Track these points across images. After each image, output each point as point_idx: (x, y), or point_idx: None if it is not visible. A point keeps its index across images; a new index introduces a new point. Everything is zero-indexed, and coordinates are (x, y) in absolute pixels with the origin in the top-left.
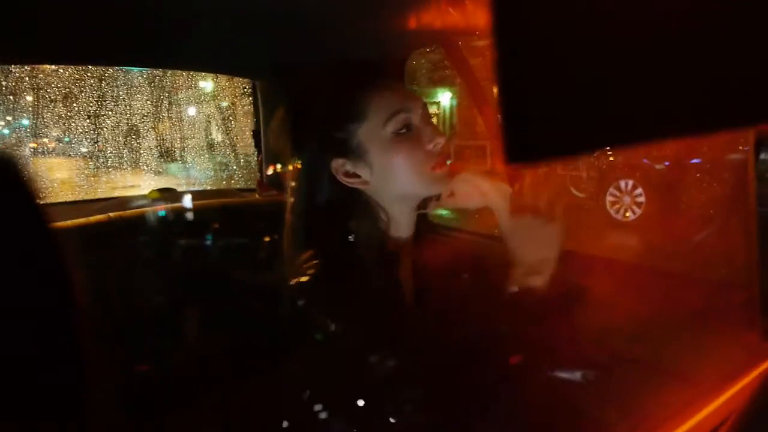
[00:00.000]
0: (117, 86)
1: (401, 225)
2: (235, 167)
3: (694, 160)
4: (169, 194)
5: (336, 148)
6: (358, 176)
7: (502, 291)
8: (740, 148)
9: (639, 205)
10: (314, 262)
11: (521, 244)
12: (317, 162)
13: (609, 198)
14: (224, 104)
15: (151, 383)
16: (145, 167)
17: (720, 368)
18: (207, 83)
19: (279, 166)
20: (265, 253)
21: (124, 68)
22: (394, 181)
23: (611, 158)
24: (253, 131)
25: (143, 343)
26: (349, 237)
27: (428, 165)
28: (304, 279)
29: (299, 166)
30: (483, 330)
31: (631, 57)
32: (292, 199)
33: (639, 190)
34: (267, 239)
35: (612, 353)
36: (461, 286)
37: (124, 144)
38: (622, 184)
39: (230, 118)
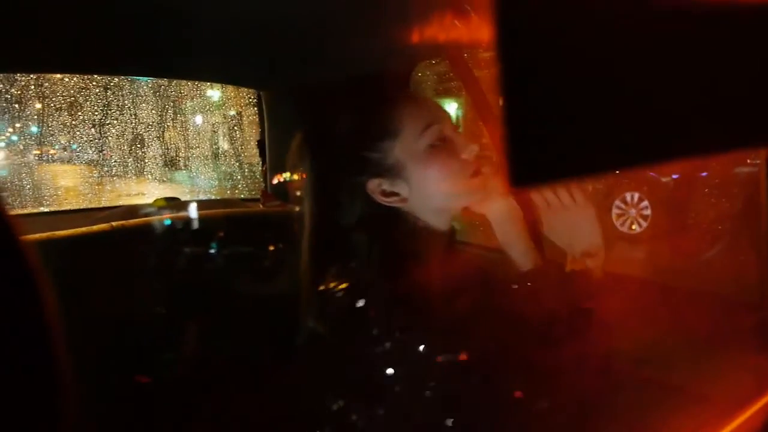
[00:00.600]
0: (122, 95)
1: (438, 238)
2: (239, 177)
3: (702, 174)
4: (173, 203)
5: (371, 168)
6: (397, 194)
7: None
8: (749, 161)
9: (645, 218)
10: (346, 281)
11: (565, 237)
12: (350, 184)
13: (615, 211)
14: (229, 114)
15: (152, 395)
16: (149, 176)
17: (733, 390)
18: (212, 93)
19: (284, 176)
20: (269, 263)
21: (130, 77)
22: (433, 194)
23: (617, 171)
24: (258, 141)
25: (145, 353)
26: (390, 254)
27: (466, 174)
28: (337, 295)
29: (324, 186)
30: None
31: (640, 77)
32: (311, 218)
33: (645, 203)
34: (271, 249)
35: (622, 373)
36: (487, 299)
37: (129, 152)
38: (628, 196)
39: (235, 127)
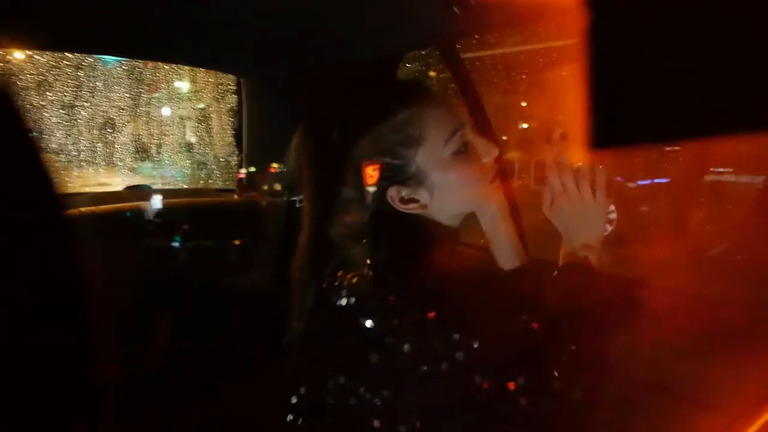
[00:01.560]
0: (94, 76)
1: (448, 238)
2: (214, 167)
3: (662, 180)
4: (143, 191)
5: (392, 176)
6: (416, 201)
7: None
8: (711, 170)
9: (611, 222)
10: (349, 284)
11: (571, 224)
12: (364, 192)
13: None
14: (206, 101)
15: (117, 391)
16: (120, 163)
17: (736, 400)
18: (190, 76)
19: (264, 166)
20: (242, 255)
21: (103, 57)
22: (455, 201)
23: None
24: (235, 130)
25: (111, 348)
26: (401, 257)
27: (487, 179)
28: (341, 299)
29: (331, 188)
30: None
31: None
32: (312, 220)
33: (611, 207)
34: (245, 240)
35: (618, 377)
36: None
37: (99, 137)
38: None
39: (211, 115)
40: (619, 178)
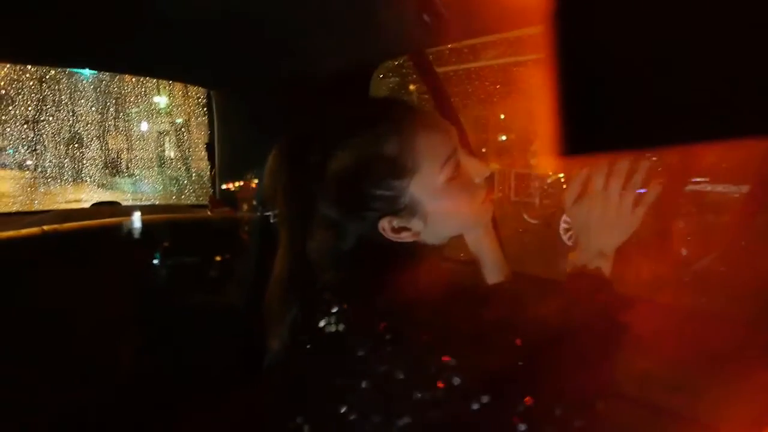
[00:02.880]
0: (59, 89)
1: (435, 258)
2: (186, 182)
3: (641, 190)
4: (112, 208)
5: (383, 207)
6: (409, 230)
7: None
8: (691, 180)
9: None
10: (332, 310)
11: (592, 227)
12: (346, 220)
13: (563, 225)
14: (177, 114)
15: (84, 412)
16: (88, 179)
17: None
18: (159, 89)
19: (237, 182)
20: (215, 273)
21: (68, 70)
22: (448, 226)
23: (564, 186)
24: (206, 144)
25: (77, 369)
26: (388, 283)
27: (479, 200)
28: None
29: (312, 214)
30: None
31: (702, 53)
32: (290, 245)
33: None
34: (218, 258)
35: (616, 395)
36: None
37: (66, 153)
38: None
39: (182, 129)
40: None
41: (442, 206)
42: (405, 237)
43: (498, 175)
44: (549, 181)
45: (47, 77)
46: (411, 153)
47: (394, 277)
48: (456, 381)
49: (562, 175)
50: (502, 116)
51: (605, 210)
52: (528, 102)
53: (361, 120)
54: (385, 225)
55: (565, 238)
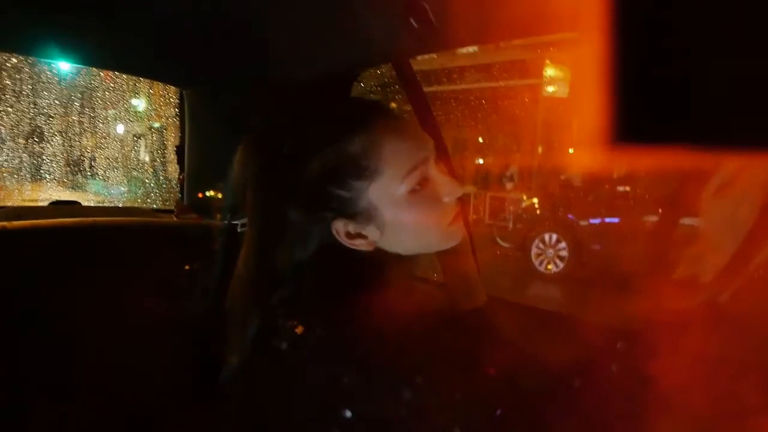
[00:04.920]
0: (20, 79)
1: (404, 275)
2: (153, 185)
3: (614, 220)
4: (70, 207)
5: (339, 208)
6: (364, 237)
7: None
8: (659, 211)
9: (562, 258)
10: (292, 319)
11: (722, 230)
12: (309, 221)
13: (534, 250)
14: (146, 114)
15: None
16: (47, 176)
17: None
18: (134, 89)
19: (206, 188)
20: (180, 282)
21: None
22: (405, 240)
23: (538, 212)
24: (176, 146)
25: (26, 384)
26: (347, 294)
27: (445, 220)
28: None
29: (273, 214)
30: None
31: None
32: (254, 248)
33: (563, 244)
34: (180, 266)
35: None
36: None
37: (25, 148)
38: (547, 237)
39: (152, 130)
40: (570, 216)
41: (400, 218)
42: (360, 245)
43: (474, 198)
44: (523, 205)
45: (7, 65)
46: (375, 155)
47: (353, 289)
48: (423, 403)
49: (536, 200)
50: (480, 140)
51: (752, 208)
52: (510, 126)
53: (333, 116)
54: (339, 227)
55: (536, 262)
